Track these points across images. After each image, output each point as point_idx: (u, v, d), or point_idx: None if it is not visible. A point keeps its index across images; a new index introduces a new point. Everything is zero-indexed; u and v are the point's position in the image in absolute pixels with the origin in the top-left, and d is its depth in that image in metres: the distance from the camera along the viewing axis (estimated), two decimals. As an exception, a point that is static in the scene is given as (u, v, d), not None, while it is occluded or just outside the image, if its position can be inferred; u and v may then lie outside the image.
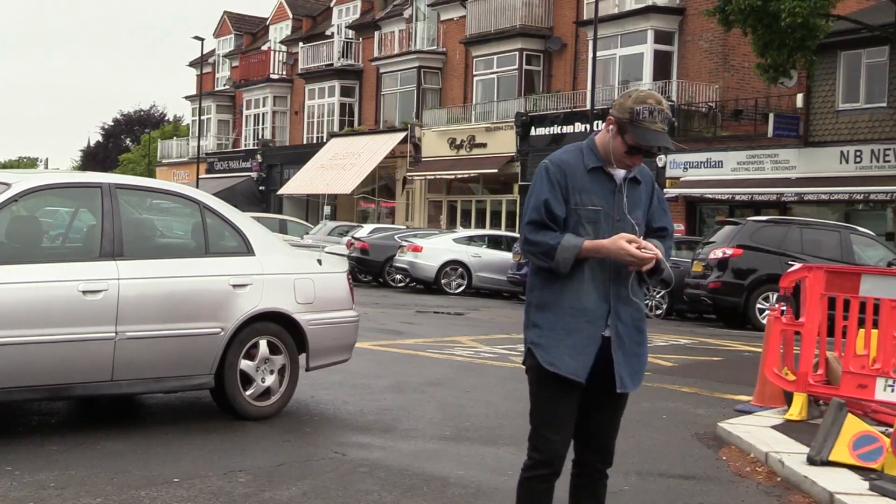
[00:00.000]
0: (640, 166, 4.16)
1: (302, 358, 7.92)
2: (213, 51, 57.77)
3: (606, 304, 4.07)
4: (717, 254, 18.45)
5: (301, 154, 45.41)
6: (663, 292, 20.39)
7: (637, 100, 4.02)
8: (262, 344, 7.62)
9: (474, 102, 37.66)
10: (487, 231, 30.62)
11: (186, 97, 58.86)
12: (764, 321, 13.50)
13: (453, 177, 37.22)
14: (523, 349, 4.25)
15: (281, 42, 51.44)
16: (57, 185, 7.47)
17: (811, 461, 6.38)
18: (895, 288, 7.85)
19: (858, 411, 7.26)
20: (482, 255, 25.10)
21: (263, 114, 50.58)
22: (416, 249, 24.86)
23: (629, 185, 4.13)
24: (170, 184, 8.52)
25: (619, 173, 4.11)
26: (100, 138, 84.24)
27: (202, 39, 50.93)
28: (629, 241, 3.95)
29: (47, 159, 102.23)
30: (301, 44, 48.43)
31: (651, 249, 3.97)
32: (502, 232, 30.07)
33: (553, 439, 4.10)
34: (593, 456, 4.24)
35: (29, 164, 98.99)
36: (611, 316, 4.09)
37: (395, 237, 26.80)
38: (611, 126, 4.07)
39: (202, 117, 54.27)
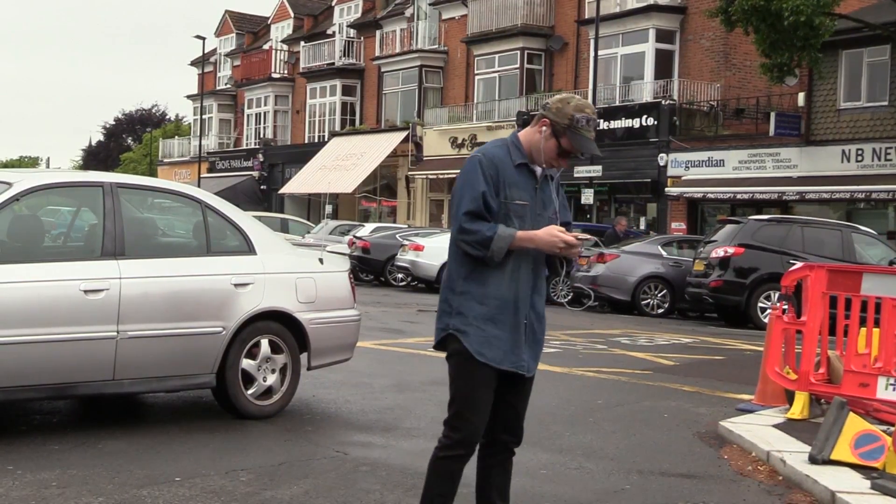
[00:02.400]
0: None
1: (303, 357, 7.93)
2: (215, 50, 57.79)
3: (527, 294, 4.27)
4: (719, 252, 18.45)
5: (302, 153, 45.43)
6: (664, 291, 20.44)
7: (577, 107, 4.23)
8: (264, 343, 7.62)
9: (476, 101, 37.65)
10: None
11: (188, 96, 58.92)
12: (765, 320, 13.48)
13: (455, 176, 37.14)
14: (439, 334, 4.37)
15: (282, 41, 51.45)
16: (58, 185, 7.47)
17: (813, 460, 6.38)
18: (897, 287, 7.84)
19: (860, 410, 7.26)
20: (483, 254, 25.06)
21: (265, 113, 50.59)
22: (418, 248, 24.84)
23: (544, 181, 4.36)
24: (171, 183, 8.52)
25: (538, 170, 4.32)
26: (101, 137, 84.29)
27: (204, 38, 51.01)
28: (560, 231, 4.18)
29: (49, 158, 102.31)
30: (302, 43, 48.44)
31: (580, 236, 4.19)
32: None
33: (474, 421, 4.27)
34: (507, 436, 4.45)
35: (30, 163, 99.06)
36: (528, 306, 4.29)
37: (397, 236, 26.77)
38: (544, 128, 4.26)
39: (204, 116, 54.31)
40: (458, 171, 4.35)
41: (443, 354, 4.37)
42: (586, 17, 33.01)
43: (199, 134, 53.16)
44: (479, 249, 4.12)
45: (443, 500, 4.34)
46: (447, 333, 4.29)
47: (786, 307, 8.48)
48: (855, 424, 6.46)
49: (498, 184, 4.17)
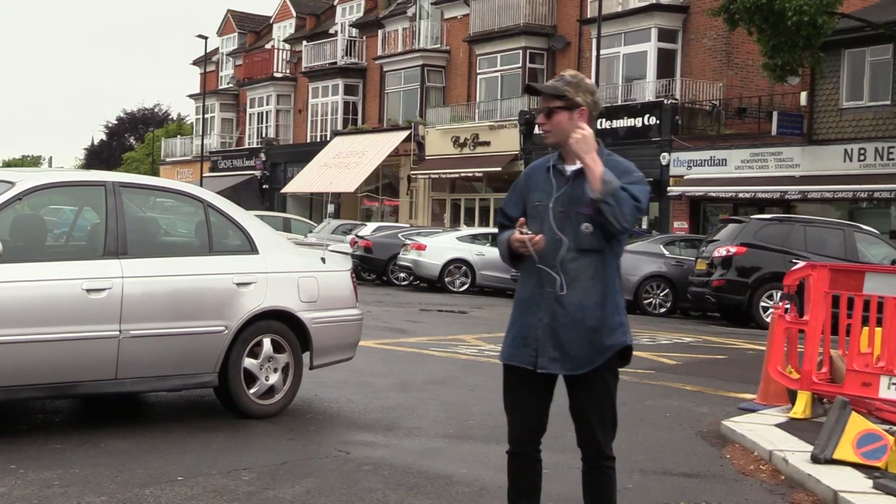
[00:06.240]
0: None
1: (306, 356, 7.93)
2: (217, 49, 57.81)
3: (539, 291, 4.24)
4: (721, 252, 18.44)
5: (305, 152, 45.42)
6: (667, 290, 20.44)
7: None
8: (266, 342, 7.63)
9: (478, 101, 37.63)
10: (491, 229, 30.55)
11: (190, 95, 58.92)
12: (768, 319, 13.48)
13: (457, 175, 37.19)
14: None
15: (284, 40, 51.44)
16: (61, 184, 7.47)
17: (815, 459, 6.38)
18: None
19: (862, 409, 7.25)
20: (486, 254, 25.06)
21: (267, 112, 50.59)
22: (420, 248, 24.86)
23: (576, 179, 4.27)
24: (174, 182, 8.53)
25: (570, 168, 4.31)
26: (103, 137, 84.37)
27: (206, 38, 51.02)
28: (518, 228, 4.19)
29: (51, 158, 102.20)
30: (305, 42, 48.42)
31: (534, 241, 4.09)
32: (506, 230, 30.05)
33: (511, 423, 4.37)
34: (582, 446, 4.38)
35: (32, 162, 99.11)
36: (546, 302, 4.22)
37: (399, 235, 26.79)
38: (583, 117, 4.32)
39: (206, 116, 54.32)
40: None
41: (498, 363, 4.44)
42: (588, 16, 32.99)
43: (201, 133, 53.17)
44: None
45: None
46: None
47: (788, 306, 8.48)
48: (857, 424, 6.46)
49: (525, 190, 4.36)
